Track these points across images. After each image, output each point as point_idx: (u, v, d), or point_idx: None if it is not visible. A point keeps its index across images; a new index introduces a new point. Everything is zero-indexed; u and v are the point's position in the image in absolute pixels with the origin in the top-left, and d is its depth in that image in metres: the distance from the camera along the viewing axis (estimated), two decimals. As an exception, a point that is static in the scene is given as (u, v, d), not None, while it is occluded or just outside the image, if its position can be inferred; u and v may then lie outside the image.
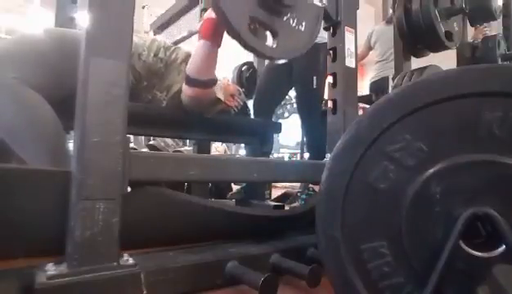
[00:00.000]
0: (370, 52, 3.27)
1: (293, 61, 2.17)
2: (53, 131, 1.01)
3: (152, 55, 1.36)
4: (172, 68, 1.39)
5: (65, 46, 1.09)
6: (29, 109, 0.99)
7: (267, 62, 2.38)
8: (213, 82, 1.22)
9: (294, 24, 0.98)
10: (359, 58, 3.15)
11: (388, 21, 2.97)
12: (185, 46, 1.52)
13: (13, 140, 0.98)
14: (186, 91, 1.21)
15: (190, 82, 1.18)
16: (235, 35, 0.85)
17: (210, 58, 1.13)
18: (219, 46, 1.12)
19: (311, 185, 2.15)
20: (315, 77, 2.09)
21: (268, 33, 0.95)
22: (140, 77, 1.35)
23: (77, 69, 0.69)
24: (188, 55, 1.43)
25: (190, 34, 1.64)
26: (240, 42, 0.87)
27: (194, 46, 1.20)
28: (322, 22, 1.24)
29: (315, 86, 2.10)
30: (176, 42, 1.52)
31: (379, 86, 2.98)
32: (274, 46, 0.94)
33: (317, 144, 2.11)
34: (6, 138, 0.98)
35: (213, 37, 1.08)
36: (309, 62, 2.07)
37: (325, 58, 2.19)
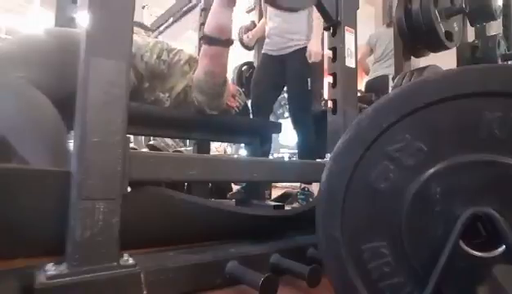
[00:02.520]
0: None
1: (285, 61, 2.17)
2: (56, 130, 1.02)
3: (155, 56, 1.36)
4: (175, 69, 1.39)
5: (68, 46, 1.10)
6: (32, 108, 1.00)
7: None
8: (231, 42, 1.27)
9: None
10: (360, 58, 3.17)
11: (389, 24, 2.98)
12: (186, 48, 1.52)
13: (15, 139, 0.99)
14: (207, 50, 1.25)
15: (210, 41, 1.23)
16: None
17: (227, 17, 1.20)
18: (234, 5, 1.19)
19: (306, 186, 2.16)
20: (309, 79, 2.10)
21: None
22: (142, 79, 1.35)
23: (77, 69, 0.69)
24: (191, 58, 1.43)
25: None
26: None
27: (194, 47, 1.21)
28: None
29: (309, 88, 2.12)
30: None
31: (373, 86, 3.00)
32: None
33: (310, 144, 2.12)
34: (9, 136, 0.98)
35: None
36: (303, 63, 2.08)
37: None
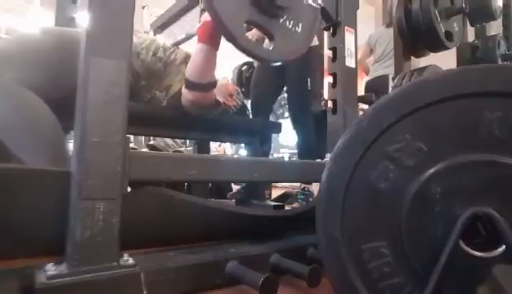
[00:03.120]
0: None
1: (285, 62, 2.17)
2: (51, 131, 1.01)
3: (151, 54, 1.35)
4: (172, 68, 1.38)
5: (64, 46, 1.09)
6: (26, 109, 0.99)
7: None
8: (213, 85, 1.21)
9: (290, 26, 0.97)
10: (360, 59, 3.17)
11: (389, 24, 2.98)
12: (184, 47, 1.52)
13: (11, 141, 0.98)
14: (187, 95, 1.21)
15: (190, 85, 1.18)
16: (231, 38, 0.85)
17: (209, 61, 1.13)
18: (217, 48, 1.11)
19: (305, 186, 2.16)
20: (309, 79, 2.10)
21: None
22: (138, 77, 1.34)
23: (76, 69, 0.69)
24: (187, 56, 1.43)
25: (188, 37, 1.65)
26: (235, 45, 0.86)
27: (194, 47, 1.20)
28: (321, 22, 1.24)
29: (309, 88, 2.12)
30: (174, 44, 1.53)
31: (373, 86, 3.00)
32: (271, 48, 0.93)
33: (310, 144, 2.12)
34: (4, 139, 0.98)
35: (210, 40, 1.08)
36: (302, 63, 2.08)
37: (316, 59, 2.22)
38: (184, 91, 1.22)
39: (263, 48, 0.94)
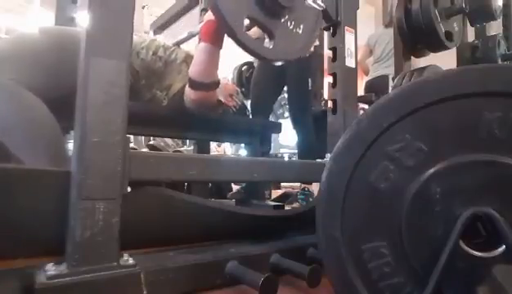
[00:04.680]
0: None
1: (286, 62, 2.17)
2: (50, 131, 1.01)
3: (151, 53, 1.35)
4: (172, 67, 1.38)
5: (63, 45, 1.09)
6: (25, 109, 0.99)
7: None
8: (217, 84, 1.21)
9: (291, 27, 0.97)
10: (360, 60, 3.17)
11: (388, 25, 2.99)
12: (185, 47, 1.52)
13: (10, 141, 0.98)
14: (191, 94, 1.21)
15: (194, 85, 1.18)
16: (232, 35, 0.85)
17: (212, 60, 1.13)
18: (221, 47, 1.11)
19: (305, 186, 2.17)
20: (310, 79, 2.11)
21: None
22: (138, 76, 1.34)
23: (75, 68, 0.69)
24: (188, 56, 1.43)
25: (191, 36, 1.65)
26: (236, 42, 0.86)
27: (194, 47, 1.20)
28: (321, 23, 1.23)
29: (310, 88, 2.12)
30: (176, 44, 1.53)
31: (373, 86, 3.00)
32: (270, 47, 0.93)
33: (310, 144, 2.12)
34: (4, 139, 0.98)
35: (213, 39, 1.08)
36: (303, 63, 2.08)
37: (317, 59, 2.22)
38: (188, 90, 1.21)
39: (263, 46, 0.94)
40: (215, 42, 1.09)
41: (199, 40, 1.14)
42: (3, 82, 0.98)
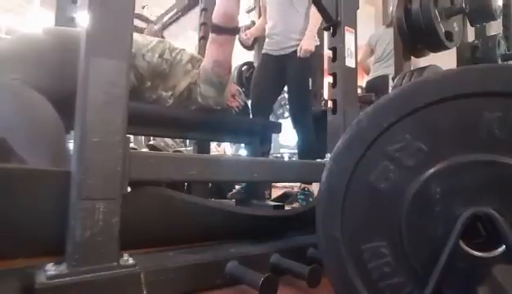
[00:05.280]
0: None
1: (286, 61, 2.18)
2: (54, 130, 1.01)
3: (157, 56, 1.36)
4: (178, 68, 1.39)
5: (66, 46, 1.09)
6: (29, 108, 0.99)
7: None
8: (237, 30, 1.34)
9: None
10: (361, 60, 3.17)
11: (389, 25, 2.99)
12: (186, 47, 1.52)
13: (14, 140, 0.98)
14: (216, 39, 1.30)
15: (220, 29, 1.28)
16: None
17: (234, 4, 1.26)
18: None
19: (305, 186, 2.17)
20: (310, 79, 2.11)
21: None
22: (142, 78, 1.34)
23: (77, 69, 0.69)
24: (193, 57, 1.43)
25: None
26: None
27: (194, 47, 1.21)
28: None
29: (310, 88, 2.12)
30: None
31: (373, 86, 3.00)
32: None
33: (310, 144, 2.12)
34: (8, 138, 0.98)
35: None
36: (303, 63, 2.08)
37: (317, 59, 2.22)
38: (212, 36, 1.31)
39: None
40: None
41: None
42: (6, 82, 0.98)
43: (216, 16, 1.28)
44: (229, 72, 1.41)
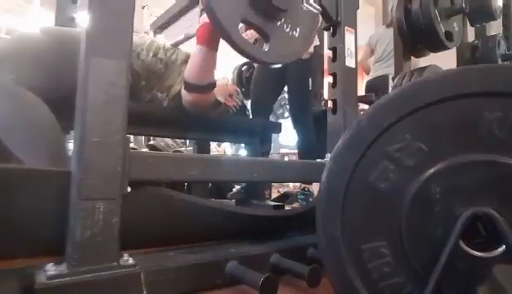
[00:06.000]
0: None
1: (283, 63, 2.18)
2: (50, 131, 1.01)
3: (151, 54, 1.35)
4: (173, 68, 1.38)
5: (64, 45, 1.09)
6: (25, 109, 0.99)
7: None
8: (212, 86, 1.21)
9: (287, 30, 0.96)
10: (362, 60, 3.17)
11: (389, 25, 2.99)
12: (183, 47, 1.52)
13: (10, 141, 0.98)
14: (186, 96, 1.21)
15: (189, 87, 1.18)
16: (227, 38, 0.84)
17: (208, 62, 1.14)
18: (216, 50, 1.11)
19: (305, 186, 2.16)
20: (310, 79, 2.11)
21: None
22: (138, 77, 1.34)
23: (76, 69, 0.69)
24: (188, 57, 1.43)
25: (187, 38, 1.65)
26: (231, 45, 0.85)
27: (193, 47, 1.21)
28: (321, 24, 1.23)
29: (310, 88, 2.12)
30: (173, 45, 1.54)
31: (373, 86, 3.00)
32: (266, 50, 0.93)
33: (310, 144, 2.12)
34: (4, 139, 0.98)
35: (209, 41, 1.08)
36: (303, 63, 2.08)
37: (317, 59, 2.22)
38: (183, 92, 1.21)
39: (259, 49, 0.93)
40: (211, 45, 1.09)
41: (196, 43, 1.14)
42: (4, 82, 0.98)
43: (187, 73, 1.16)
44: (212, 106, 1.32)
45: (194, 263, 0.75)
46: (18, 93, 0.99)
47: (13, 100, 0.99)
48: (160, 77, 1.38)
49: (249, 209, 1.09)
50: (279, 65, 1.05)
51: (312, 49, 2.04)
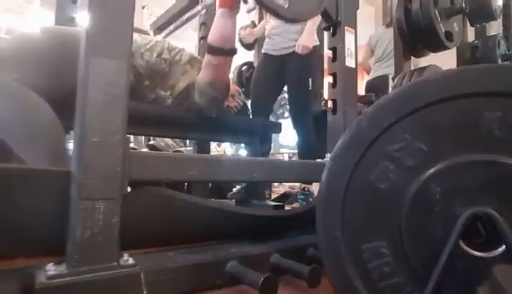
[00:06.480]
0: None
1: (286, 61, 2.18)
2: (52, 130, 1.01)
3: (155, 55, 1.36)
4: (177, 68, 1.39)
5: (63, 44, 1.09)
6: (27, 109, 0.99)
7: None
8: (235, 51, 1.26)
9: None
10: (363, 61, 3.17)
11: (389, 25, 2.99)
12: (186, 47, 1.52)
13: (12, 141, 0.98)
14: (211, 60, 1.25)
15: (214, 50, 1.22)
16: None
17: (230, 25, 1.19)
18: (238, 11, 1.18)
19: (305, 186, 2.17)
20: (310, 79, 2.11)
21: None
22: (141, 77, 1.35)
23: (76, 68, 0.69)
24: (192, 58, 1.43)
25: (204, 6, 1.67)
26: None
27: (194, 47, 1.21)
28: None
29: (310, 88, 2.12)
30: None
31: (373, 86, 3.01)
32: (286, 5, 0.94)
33: (310, 144, 2.13)
34: (6, 138, 0.98)
35: (230, 2, 1.13)
36: (303, 63, 2.08)
37: (317, 59, 2.22)
38: (208, 57, 1.25)
39: (280, 5, 0.95)
40: (232, 6, 1.14)
41: (217, 6, 1.19)
42: (5, 82, 0.98)
43: (211, 37, 1.22)
44: (226, 89, 1.37)
45: (194, 263, 0.75)
46: (19, 92, 0.99)
47: (14, 99, 0.99)
48: (164, 76, 1.38)
49: (249, 209, 1.09)
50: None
51: (311, 45, 2.05)
